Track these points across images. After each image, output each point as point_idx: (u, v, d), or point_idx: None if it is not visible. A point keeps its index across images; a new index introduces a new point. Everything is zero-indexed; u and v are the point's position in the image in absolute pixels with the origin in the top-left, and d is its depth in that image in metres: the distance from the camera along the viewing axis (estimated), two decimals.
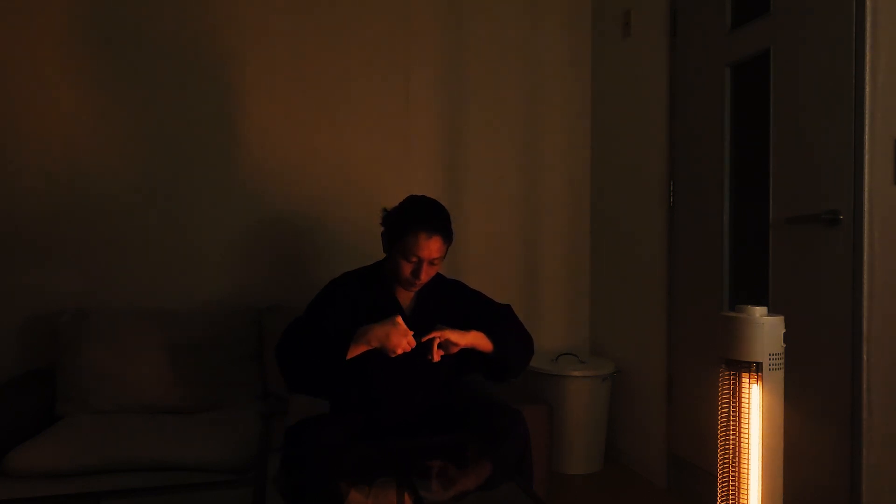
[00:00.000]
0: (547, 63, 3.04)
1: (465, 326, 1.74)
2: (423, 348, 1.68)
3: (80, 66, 2.49)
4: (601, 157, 3.07)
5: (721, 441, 1.60)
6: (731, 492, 1.58)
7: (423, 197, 1.84)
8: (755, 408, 1.54)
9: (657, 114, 2.63)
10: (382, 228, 1.84)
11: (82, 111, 2.49)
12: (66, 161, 2.48)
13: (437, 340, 1.66)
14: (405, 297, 1.88)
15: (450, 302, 1.91)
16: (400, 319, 1.65)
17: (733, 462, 1.57)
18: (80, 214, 2.49)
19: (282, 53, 2.68)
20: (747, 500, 1.55)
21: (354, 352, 1.68)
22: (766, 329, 1.52)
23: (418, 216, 1.75)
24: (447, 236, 1.78)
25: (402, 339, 1.63)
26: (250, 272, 2.64)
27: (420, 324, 1.79)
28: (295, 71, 2.69)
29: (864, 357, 1.71)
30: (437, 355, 1.66)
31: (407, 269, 1.76)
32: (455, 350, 1.69)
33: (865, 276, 1.71)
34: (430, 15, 2.87)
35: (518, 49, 3.00)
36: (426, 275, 1.78)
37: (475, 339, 1.73)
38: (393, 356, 1.65)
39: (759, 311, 1.54)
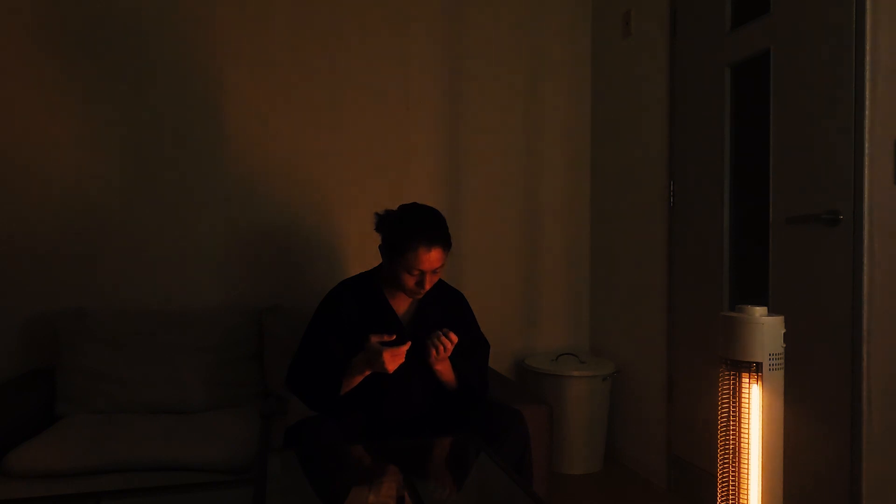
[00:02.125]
0: (547, 63, 3.04)
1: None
2: (422, 349, 1.70)
3: (79, 68, 2.49)
4: (601, 157, 3.07)
5: (721, 441, 1.60)
6: (731, 492, 1.58)
7: (418, 206, 1.84)
8: (755, 408, 1.54)
9: (657, 114, 2.63)
10: (378, 234, 1.84)
11: (81, 113, 2.49)
12: (66, 162, 2.48)
13: (443, 339, 1.69)
14: (402, 304, 1.89)
15: (446, 311, 1.92)
16: (373, 340, 1.68)
17: (733, 462, 1.57)
18: (79, 215, 2.49)
19: (281, 54, 2.68)
20: (747, 500, 1.55)
21: (349, 386, 1.74)
22: (766, 329, 1.52)
23: (417, 230, 1.74)
24: (447, 245, 1.78)
25: (388, 358, 1.65)
26: (250, 272, 2.65)
27: (417, 330, 1.82)
28: (294, 71, 2.69)
29: (864, 357, 1.71)
30: (439, 349, 1.70)
31: (410, 281, 1.78)
32: (441, 356, 1.72)
33: (865, 276, 1.71)
34: (430, 15, 2.87)
35: (518, 49, 3.00)
36: (430, 283, 1.79)
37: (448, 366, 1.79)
38: (392, 372, 1.68)
39: (759, 311, 1.54)
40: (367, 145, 2.79)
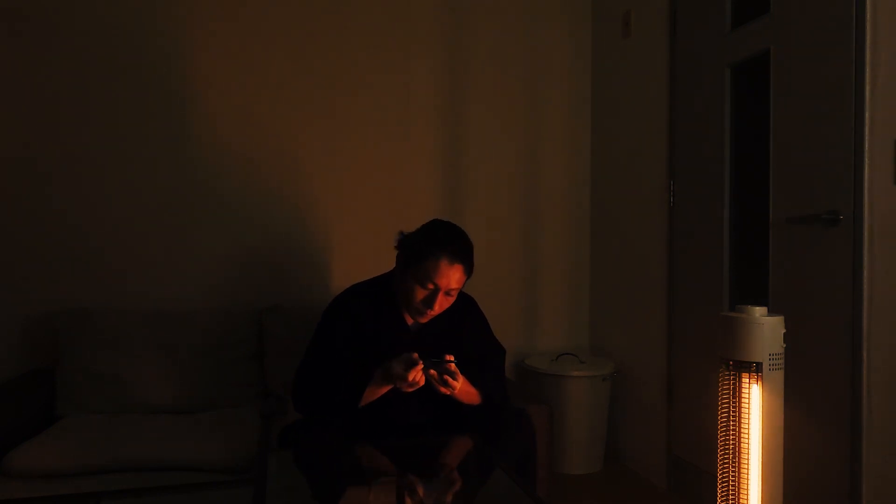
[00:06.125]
0: (547, 63, 3.04)
1: (462, 349, 1.70)
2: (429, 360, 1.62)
3: (78, 67, 2.49)
4: (601, 157, 3.07)
5: (721, 441, 1.60)
6: (731, 492, 1.58)
7: (449, 222, 1.76)
8: (755, 408, 1.54)
9: (657, 114, 2.63)
10: (397, 251, 1.75)
11: (78, 114, 2.49)
12: (67, 163, 2.48)
13: (452, 367, 1.58)
14: None
15: (457, 320, 1.81)
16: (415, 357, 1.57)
17: (733, 462, 1.57)
18: (79, 215, 2.49)
19: (280, 52, 2.68)
20: (747, 500, 1.55)
21: (371, 398, 1.66)
22: (766, 329, 1.52)
23: (442, 241, 1.65)
24: (469, 267, 1.67)
25: (399, 383, 1.58)
26: (250, 272, 2.64)
27: (425, 342, 1.73)
28: (294, 71, 2.69)
29: (864, 357, 1.71)
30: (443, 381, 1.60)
31: (420, 295, 1.66)
32: (446, 390, 1.61)
33: (865, 276, 1.71)
34: (431, 15, 2.87)
35: (518, 49, 3.00)
36: (440, 306, 1.67)
37: (466, 388, 1.66)
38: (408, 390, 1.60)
39: (759, 311, 1.54)
40: (367, 145, 2.78)
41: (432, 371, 1.58)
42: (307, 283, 2.70)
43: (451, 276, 1.64)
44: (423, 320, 1.73)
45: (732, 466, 1.58)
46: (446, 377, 1.58)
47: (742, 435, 1.56)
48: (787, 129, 1.97)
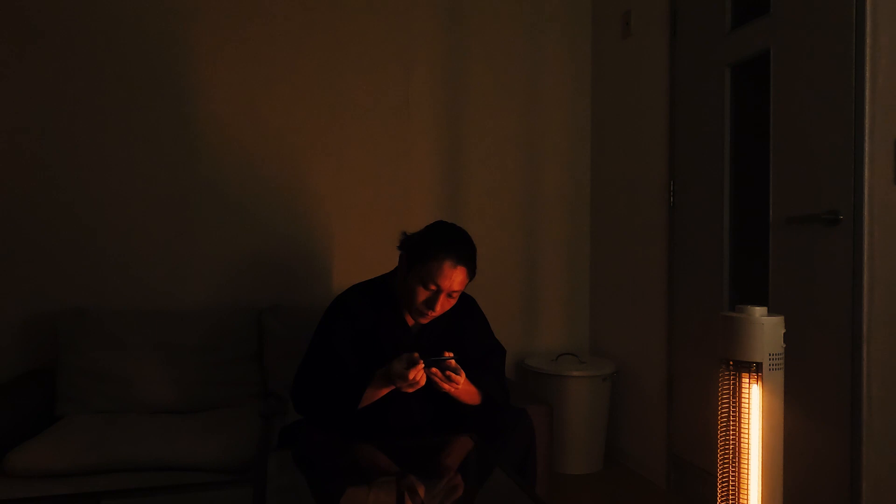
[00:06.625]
0: (547, 63, 3.04)
1: (462, 349, 1.69)
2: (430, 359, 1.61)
3: (83, 69, 2.49)
4: (601, 157, 3.07)
5: (721, 441, 1.60)
6: (731, 492, 1.58)
7: (453, 224, 1.77)
8: (755, 408, 1.54)
9: (657, 114, 2.64)
10: (400, 251, 1.74)
11: (80, 114, 2.49)
12: (67, 162, 2.48)
13: (452, 363, 1.58)
14: None
15: (457, 321, 1.81)
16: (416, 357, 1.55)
17: (733, 462, 1.57)
18: (81, 215, 2.49)
19: (282, 54, 2.68)
20: (747, 500, 1.55)
21: (371, 398, 1.65)
22: (766, 329, 1.52)
23: (447, 242, 1.66)
24: (472, 269, 1.68)
25: (400, 383, 1.57)
26: (250, 272, 2.64)
27: (426, 342, 1.73)
28: (294, 71, 2.69)
29: (864, 357, 1.71)
30: (442, 377, 1.59)
31: (422, 296, 1.66)
32: (448, 387, 1.60)
33: (865, 276, 1.71)
34: (431, 15, 2.87)
35: (518, 50, 3.00)
36: (441, 307, 1.68)
37: (467, 387, 1.66)
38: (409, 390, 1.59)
39: (759, 311, 1.54)
40: (368, 145, 2.78)
41: (434, 369, 1.57)
42: (307, 283, 2.70)
43: (455, 279, 1.65)
44: (424, 321, 1.73)
45: (732, 466, 1.58)
46: (449, 373, 1.57)
47: (742, 435, 1.56)
48: (787, 129, 1.97)
